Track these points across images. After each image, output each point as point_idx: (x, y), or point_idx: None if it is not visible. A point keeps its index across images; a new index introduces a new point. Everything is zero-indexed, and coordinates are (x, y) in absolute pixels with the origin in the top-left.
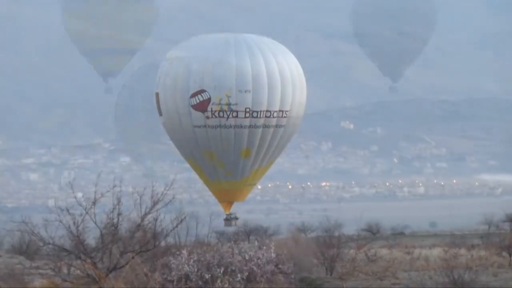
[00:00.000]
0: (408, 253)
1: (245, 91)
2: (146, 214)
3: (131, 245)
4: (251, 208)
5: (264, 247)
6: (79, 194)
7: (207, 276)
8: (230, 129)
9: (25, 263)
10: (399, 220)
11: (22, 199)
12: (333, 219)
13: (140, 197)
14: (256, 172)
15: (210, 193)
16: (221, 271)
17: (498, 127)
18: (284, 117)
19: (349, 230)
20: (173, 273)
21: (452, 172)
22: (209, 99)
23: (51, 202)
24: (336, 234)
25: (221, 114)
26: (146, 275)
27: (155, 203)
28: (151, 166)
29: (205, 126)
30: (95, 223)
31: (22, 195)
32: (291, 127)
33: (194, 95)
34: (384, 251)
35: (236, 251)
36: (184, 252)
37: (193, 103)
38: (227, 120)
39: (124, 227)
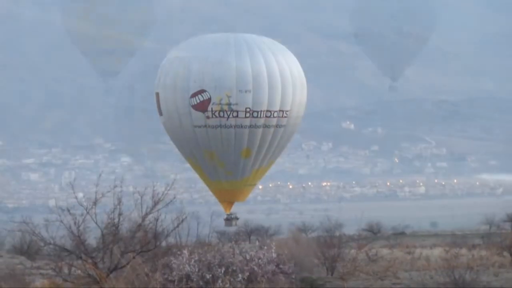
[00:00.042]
0: (409, 253)
1: (246, 91)
2: (147, 214)
3: (132, 245)
4: (252, 208)
5: (265, 247)
6: (80, 194)
7: (208, 276)
8: (230, 129)
9: (26, 263)
10: (400, 220)
11: (23, 199)
12: (334, 219)
13: (141, 197)
14: (256, 172)
15: (211, 193)
16: (222, 271)
17: (498, 127)
18: (285, 117)
19: (350, 230)
20: (174, 273)
21: (452, 172)
22: (209, 99)
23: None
24: (337, 234)
25: (221, 114)
26: (147, 275)
27: (156, 203)
28: (151, 166)
29: (205, 126)
30: (96, 223)
31: (23, 195)
32: (291, 127)
33: (194, 95)
34: (385, 251)
35: (237, 251)
36: (185, 252)
37: (193, 103)
38: (227, 120)
39: (125, 227)
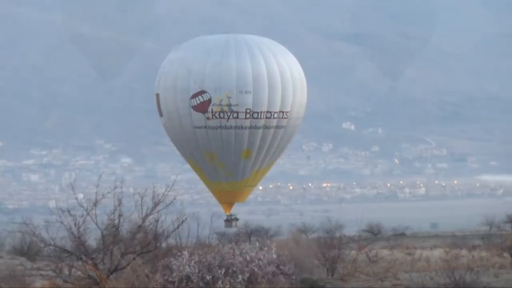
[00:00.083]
0: (409, 254)
1: (246, 92)
2: (147, 215)
3: (132, 246)
4: (252, 209)
5: (265, 248)
6: (80, 195)
7: (208, 277)
8: (230, 130)
9: (26, 264)
10: (400, 221)
11: (23, 200)
12: (334, 220)
13: (141, 198)
14: (256, 173)
15: (211, 194)
16: (222, 272)
17: (499, 127)
18: (285, 118)
19: (350, 231)
20: (174, 274)
21: (453, 172)
22: (209, 100)
23: (52, 203)
24: (337, 235)
25: (221, 115)
26: (147, 276)
27: (156, 204)
28: (152, 167)
29: (205, 127)
30: (96, 224)
31: (23, 196)
32: (291, 128)
33: (194, 96)
34: (385, 252)
35: (237, 252)
36: (185, 253)
37: (193, 104)
38: (227, 121)
39: (125, 228)
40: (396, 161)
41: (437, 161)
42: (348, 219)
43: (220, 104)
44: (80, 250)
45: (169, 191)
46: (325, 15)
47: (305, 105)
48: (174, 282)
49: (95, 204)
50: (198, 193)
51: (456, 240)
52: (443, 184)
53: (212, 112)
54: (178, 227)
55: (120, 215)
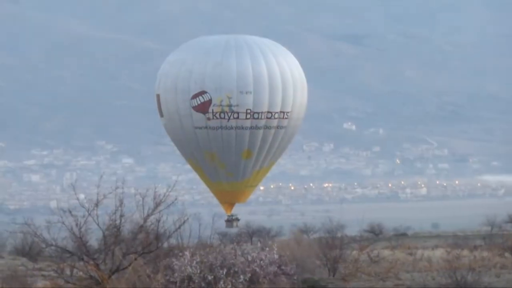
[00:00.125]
0: (410, 254)
1: (246, 93)
2: (148, 216)
3: (133, 246)
4: (254, 209)
5: (267, 248)
6: (82, 196)
7: (209, 278)
8: (231, 130)
9: (28, 265)
10: (402, 221)
11: (24, 201)
12: (336, 220)
13: (143, 199)
14: (257, 173)
15: (212, 195)
16: (224, 273)
17: (500, 128)
18: (285, 118)
19: (352, 231)
20: (176, 274)
21: (454, 173)
22: (210, 101)
23: (53, 204)
24: (339, 235)
25: (222, 115)
26: (148, 276)
27: (157, 205)
28: (153, 168)
29: (206, 127)
30: (98, 224)
31: (24, 197)
32: (292, 128)
33: (195, 96)
34: (386, 252)
35: (239, 252)
36: (187, 253)
37: (194, 105)
38: (228, 121)
39: (126, 228)
40: (398, 161)
41: (438, 162)
42: (349, 219)
43: (221, 105)
44: (81, 250)
45: (170, 191)
46: (325, 15)
47: (305, 105)
48: (175, 283)
49: (96, 205)
50: (200, 193)
51: (458, 240)
52: (445, 184)
53: (212, 112)
54: (179, 228)
55: (121, 216)
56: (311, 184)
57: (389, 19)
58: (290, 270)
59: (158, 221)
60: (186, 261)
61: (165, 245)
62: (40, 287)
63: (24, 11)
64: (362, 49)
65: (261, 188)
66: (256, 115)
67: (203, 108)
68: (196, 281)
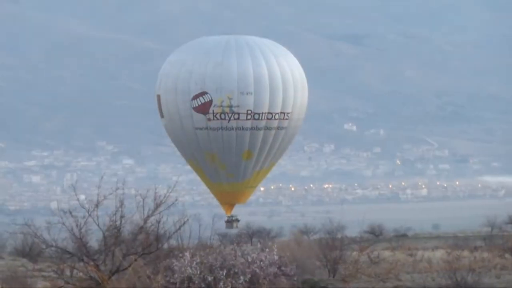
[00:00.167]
0: (411, 255)
1: (247, 93)
2: (148, 217)
3: (133, 247)
4: (254, 210)
5: (267, 249)
6: (82, 197)
7: (209, 279)
8: (231, 131)
9: (28, 266)
10: (402, 222)
11: (25, 202)
12: (336, 221)
13: (143, 200)
14: (257, 174)
15: (213, 195)
16: (224, 273)
17: (500, 128)
18: (286, 119)
19: (352, 232)
20: (176, 275)
21: (454, 173)
22: (210, 101)
23: (53, 205)
24: (339, 236)
25: (222, 116)
26: (148, 277)
27: (157, 206)
28: (153, 168)
29: (206, 128)
30: (98, 225)
31: (24, 198)
32: (292, 129)
33: (195, 97)
34: (387, 253)
35: (239, 253)
36: (187, 254)
37: (194, 105)
38: (228, 122)
39: (127, 229)
40: (398, 162)
41: (439, 162)
42: (349, 220)
43: (221, 105)
44: (81, 251)
45: (170, 192)
46: (325, 15)
47: (306, 106)
48: (175, 283)
49: (96, 205)
50: (200, 194)
51: (458, 241)
52: (445, 185)
53: (213, 113)
54: (179, 228)
55: (121, 216)
56: (311, 185)
57: (389, 19)
58: (290, 271)
59: (158, 222)
60: (186, 262)
61: (165, 246)
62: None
63: (24, 11)
64: (362, 49)
65: (262, 189)
66: (256, 116)
67: (203, 109)
68: (196, 282)
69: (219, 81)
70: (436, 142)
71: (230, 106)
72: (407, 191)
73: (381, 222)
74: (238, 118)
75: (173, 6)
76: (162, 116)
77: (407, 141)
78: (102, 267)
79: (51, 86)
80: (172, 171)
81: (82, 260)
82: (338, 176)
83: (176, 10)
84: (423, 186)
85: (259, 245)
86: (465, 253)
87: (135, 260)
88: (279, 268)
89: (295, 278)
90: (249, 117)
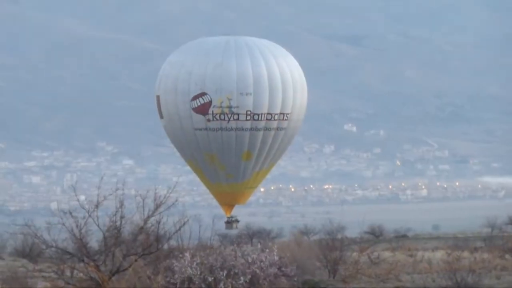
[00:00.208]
0: (411, 255)
1: (246, 94)
2: (149, 217)
3: (134, 248)
4: (254, 211)
5: (267, 250)
6: (82, 197)
7: (210, 279)
8: (231, 132)
9: (28, 266)
10: (402, 223)
11: (25, 202)
12: (336, 221)
13: (143, 200)
14: (257, 175)
15: (212, 196)
16: (224, 274)
17: (501, 129)
18: (285, 119)
19: (352, 232)
20: (176, 276)
21: (455, 174)
22: (210, 102)
23: (53, 205)
24: (339, 236)
25: (222, 117)
26: (149, 278)
27: (158, 206)
28: (153, 169)
29: (206, 129)
30: (98, 226)
31: (24, 198)
32: (292, 130)
33: (195, 98)
34: (387, 254)
35: (239, 254)
36: (187, 255)
37: (194, 106)
38: (228, 122)
39: (127, 230)
40: (398, 162)
41: (439, 163)
42: (349, 220)
43: (221, 106)
44: (82, 251)
45: (170, 192)
46: (325, 15)
47: (305, 107)
48: (176, 284)
49: (96, 206)
50: (200, 195)
51: (458, 242)
52: (445, 185)
53: (212, 114)
54: (180, 229)
55: (121, 217)
56: (311, 186)
57: (389, 19)
58: (290, 271)
59: (159, 222)
60: (186, 262)
61: (165, 246)
62: None
63: (24, 11)
64: (362, 49)
65: (262, 189)
66: (256, 117)
67: (203, 109)
68: (196, 282)
69: (218, 82)
70: (436, 143)
71: (230, 107)
72: (407, 192)
73: (381, 223)
74: (238, 119)
75: (173, 6)
76: (161, 116)
77: (407, 142)
78: (102, 268)
79: (51, 86)
80: (172, 172)
81: (82, 260)
82: (338, 176)
83: (176, 10)
84: (423, 187)
85: (259, 246)
86: (465, 254)
87: (135, 260)
88: (279, 268)
89: (295, 279)
90: (248, 117)
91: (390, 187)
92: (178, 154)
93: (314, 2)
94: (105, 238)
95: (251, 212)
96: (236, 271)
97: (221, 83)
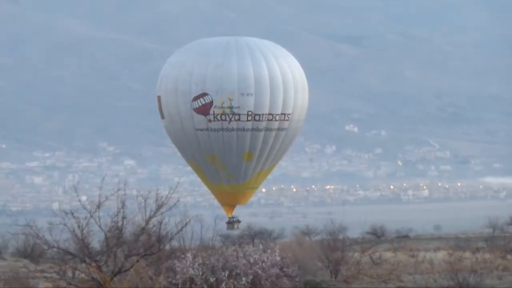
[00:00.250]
0: (412, 256)
1: (247, 94)
2: (150, 218)
3: (135, 248)
4: (256, 211)
5: (269, 251)
6: (84, 198)
7: (211, 280)
8: (232, 132)
9: (30, 267)
10: (404, 223)
11: (27, 203)
12: (338, 222)
13: (145, 201)
14: (258, 175)
15: (214, 196)
16: (226, 275)
17: (502, 129)
18: (286, 120)
19: (354, 233)
20: (178, 276)
21: (456, 175)
22: (211, 102)
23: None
24: (341, 237)
25: (223, 117)
26: (150, 278)
27: (159, 207)
28: (155, 169)
29: (207, 129)
30: (100, 226)
31: (26, 199)
32: (293, 130)
33: (196, 98)
34: (388, 254)
35: (241, 254)
36: (189, 255)
37: (195, 107)
38: (229, 123)
39: (128, 230)
40: (400, 163)
41: (440, 163)
42: (351, 221)
43: (222, 107)
44: (83, 252)
45: (172, 193)
46: (325, 15)
47: (306, 107)
48: (177, 284)
49: (98, 206)
50: (202, 195)
51: (460, 242)
52: (447, 186)
53: (213, 114)
54: (181, 230)
55: (123, 217)
56: (313, 186)
57: (389, 19)
58: (292, 272)
59: (160, 223)
60: (188, 263)
61: (167, 247)
62: None
63: (24, 11)
64: (362, 49)
65: (263, 190)
66: (257, 117)
67: (204, 110)
68: (198, 283)
69: (219, 82)
70: (437, 143)
71: (231, 107)
72: (409, 192)
73: (382, 223)
74: (239, 119)
75: (173, 6)
76: (162, 117)
77: (408, 142)
78: (104, 268)
79: (51, 86)
80: (174, 172)
81: (84, 261)
82: (339, 177)
83: (176, 10)
84: (425, 187)
85: (261, 246)
86: (467, 254)
87: (137, 261)
88: (281, 269)
89: (297, 279)
90: (249, 118)
91: (392, 187)
92: (179, 154)
93: (314, 2)
94: (106, 238)
95: (253, 212)
96: (238, 271)
97: (222, 83)
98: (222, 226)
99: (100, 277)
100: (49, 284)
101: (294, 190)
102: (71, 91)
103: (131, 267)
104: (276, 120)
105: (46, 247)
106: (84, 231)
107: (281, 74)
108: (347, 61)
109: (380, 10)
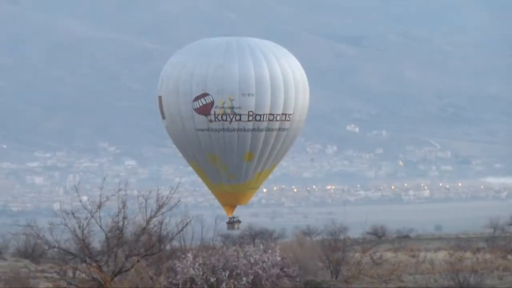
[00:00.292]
0: (413, 256)
1: (248, 95)
2: (151, 218)
3: (136, 248)
4: (257, 211)
5: (269, 251)
6: (84, 198)
7: (212, 280)
8: (233, 133)
9: (31, 267)
10: (405, 223)
11: (27, 203)
12: (338, 222)
13: (145, 201)
14: (259, 176)
15: (214, 197)
16: (226, 275)
17: (502, 129)
18: (287, 120)
19: (355, 233)
20: (178, 276)
21: (457, 175)
22: (212, 103)
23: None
24: (342, 237)
25: (224, 117)
26: (151, 278)
27: (160, 207)
28: (156, 170)
29: (208, 129)
30: (100, 226)
31: (27, 199)
32: (294, 131)
33: (197, 98)
34: (389, 254)
35: (241, 254)
36: (189, 255)
37: (196, 107)
38: (230, 123)
39: (129, 230)
40: (400, 163)
41: (441, 164)
42: (352, 221)
43: (223, 107)
44: (84, 252)
45: (173, 193)
46: (325, 15)
47: (307, 107)
48: (178, 284)
49: (99, 207)
50: (202, 195)
51: (460, 243)
52: (447, 186)
53: (214, 114)
54: (182, 230)
55: (124, 218)
56: (314, 186)
57: (389, 19)
58: (293, 272)
59: (161, 223)
60: (188, 263)
61: (168, 247)
62: None
63: (24, 11)
64: (362, 49)
65: (264, 190)
66: (258, 117)
67: (205, 110)
68: (199, 283)
69: (220, 82)
70: (438, 144)
71: (232, 108)
72: (410, 192)
73: (383, 223)
74: (240, 120)
75: (173, 6)
76: (163, 117)
77: (409, 143)
78: (104, 268)
79: (51, 86)
80: (175, 172)
81: (85, 261)
82: (340, 177)
83: (176, 10)
84: (426, 188)
85: (261, 246)
86: (468, 254)
87: (138, 261)
88: (281, 269)
89: (297, 279)
90: (250, 118)
91: (393, 187)
92: (180, 154)
93: (314, 2)
94: (107, 238)
95: (253, 212)
96: (239, 271)
97: (223, 83)
98: (223, 226)
99: (101, 277)
100: (50, 284)
101: (295, 190)
102: (71, 91)
103: (132, 267)
104: (277, 120)
105: (46, 247)
106: (85, 231)
107: (282, 75)
108: (347, 61)
109: (380, 10)
